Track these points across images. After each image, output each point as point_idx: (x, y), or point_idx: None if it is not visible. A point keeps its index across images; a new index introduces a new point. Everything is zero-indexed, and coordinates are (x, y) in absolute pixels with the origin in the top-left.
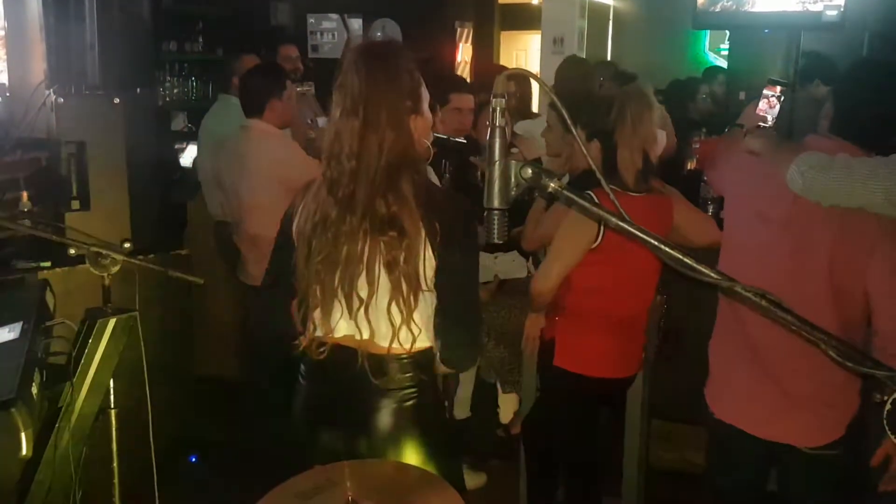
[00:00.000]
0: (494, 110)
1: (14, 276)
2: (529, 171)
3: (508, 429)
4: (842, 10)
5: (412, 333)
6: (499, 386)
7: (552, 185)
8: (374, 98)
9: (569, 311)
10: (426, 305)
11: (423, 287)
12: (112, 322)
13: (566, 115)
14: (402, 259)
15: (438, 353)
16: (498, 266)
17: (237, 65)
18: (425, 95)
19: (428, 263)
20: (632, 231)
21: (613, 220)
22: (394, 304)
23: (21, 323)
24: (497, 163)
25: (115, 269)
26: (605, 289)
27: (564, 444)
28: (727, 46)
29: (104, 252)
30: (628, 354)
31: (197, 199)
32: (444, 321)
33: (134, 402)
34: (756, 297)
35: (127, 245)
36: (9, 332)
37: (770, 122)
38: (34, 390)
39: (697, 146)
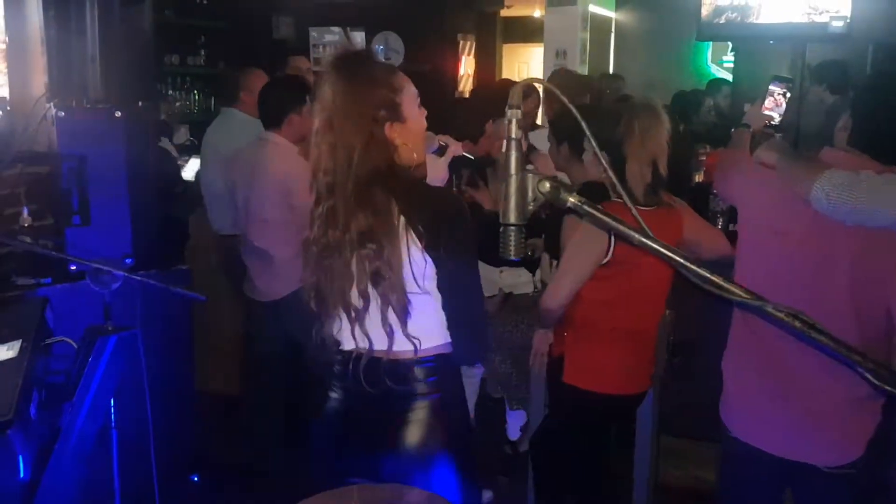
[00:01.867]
0: (510, 122)
1: (13, 292)
2: (548, 184)
3: (516, 446)
4: (848, 20)
5: (412, 341)
6: (506, 402)
7: (571, 199)
8: (343, 110)
9: (578, 327)
10: (428, 307)
11: (416, 289)
12: (113, 340)
13: (585, 127)
14: (384, 271)
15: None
16: (503, 280)
17: (244, 79)
18: (408, 102)
19: (417, 267)
20: (656, 248)
21: (637, 236)
22: (386, 316)
23: (20, 341)
24: (513, 177)
25: (116, 285)
26: (616, 303)
27: (573, 461)
28: (730, 59)
29: (105, 268)
30: (639, 370)
31: (198, 213)
32: (447, 318)
33: (135, 421)
34: (788, 317)
35: (128, 261)
36: (7, 350)
37: (777, 120)
38: (33, 411)
39: (704, 158)
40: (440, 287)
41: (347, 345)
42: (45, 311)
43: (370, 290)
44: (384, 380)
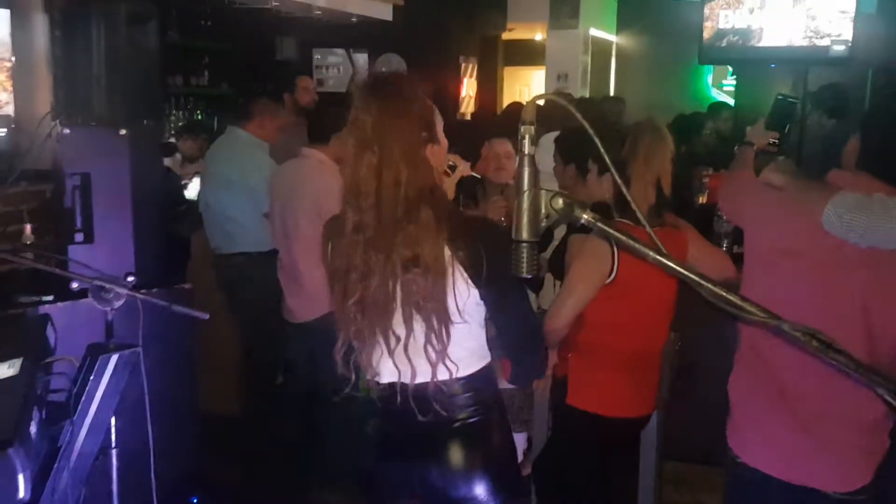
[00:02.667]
0: (523, 138)
1: (15, 310)
2: (561, 201)
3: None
4: (849, 44)
5: (448, 369)
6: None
7: (585, 215)
8: (388, 133)
9: (582, 348)
10: (468, 336)
11: (458, 320)
12: (114, 358)
13: (599, 144)
14: (429, 295)
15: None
16: None
17: (261, 106)
18: (439, 122)
19: (461, 295)
20: (671, 264)
21: (651, 253)
22: (428, 344)
23: (21, 359)
24: (526, 193)
25: (119, 303)
26: (620, 325)
27: (577, 484)
28: (731, 82)
29: (107, 286)
30: (643, 392)
31: (201, 232)
32: (504, 345)
33: (135, 440)
34: (805, 336)
35: (130, 279)
36: (8, 368)
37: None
38: (33, 429)
39: (707, 180)
40: (492, 314)
41: (385, 373)
42: (47, 328)
43: (414, 316)
44: (431, 406)
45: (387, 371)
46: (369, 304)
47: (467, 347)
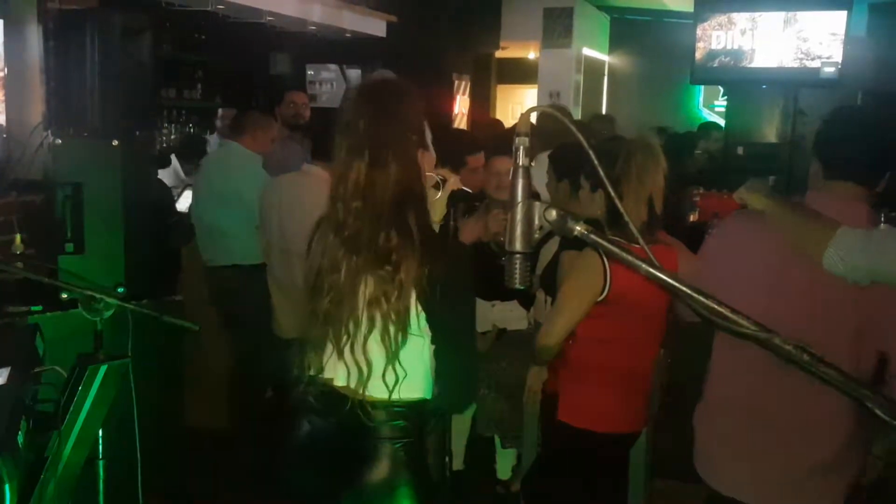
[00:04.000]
0: (518, 149)
1: (3, 320)
2: (554, 213)
3: (508, 485)
4: (839, 67)
5: (396, 374)
6: (497, 440)
7: (578, 228)
8: (380, 136)
9: (573, 364)
10: (419, 351)
11: (415, 331)
12: (104, 369)
13: (594, 159)
14: (392, 295)
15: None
16: (495, 315)
17: (255, 120)
18: (428, 133)
19: (420, 304)
20: (663, 277)
21: (644, 266)
22: (380, 343)
23: (9, 368)
24: (520, 204)
25: (109, 313)
26: (611, 341)
27: (566, 501)
28: (721, 103)
29: (97, 296)
30: (634, 409)
31: (192, 244)
32: (437, 367)
33: (123, 452)
34: (797, 350)
35: (120, 289)
36: None
37: None
38: (20, 439)
39: (697, 199)
40: (433, 332)
41: (338, 375)
42: (35, 338)
43: (375, 314)
44: (356, 414)
45: (340, 372)
46: (344, 302)
47: (417, 362)
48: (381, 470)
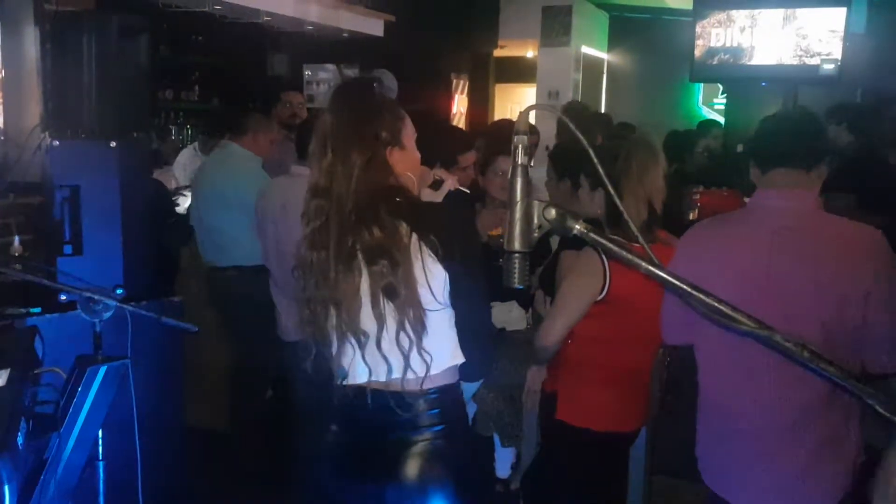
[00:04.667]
0: (516, 148)
1: (2, 321)
2: (553, 211)
3: (507, 484)
4: (839, 63)
5: (424, 360)
6: (496, 439)
7: (577, 226)
8: (343, 133)
9: (572, 363)
10: (443, 325)
11: (436, 304)
12: (103, 370)
13: (595, 159)
14: (399, 287)
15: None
16: (494, 316)
17: (255, 121)
18: (408, 132)
19: (436, 280)
20: (663, 275)
21: (644, 264)
22: (402, 333)
23: (8, 370)
24: (519, 203)
25: (108, 315)
26: (610, 340)
27: (566, 500)
28: (721, 101)
29: (96, 297)
30: (633, 408)
31: (190, 245)
32: (460, 332)
33: (123, 453)
34: (796, 346)
35: (119, 291)
36: None
37: None
38: (20, 440)
39: (697, 197)
40: (453, 300)
41: (355, 375)
42: (35, 340)
43: (385, 307)
44: (388, 411)
45: (359, 371)
46: (326, 300)
47: (443, 337)
48: (419, 461)
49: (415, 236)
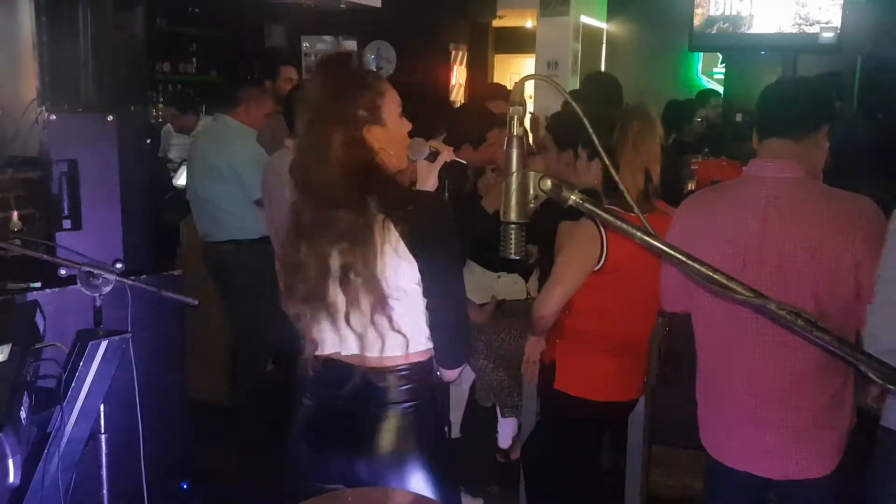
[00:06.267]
0: (511, 119)
1: (3, 296)
2: (549, 182)
3: (507, 454)
4: (838, 32)
5: (395, 338)
6: (497, 410)
7: (573, 197)
8: (323, 110)
9: (570, 334)
10: (413, 308)
11: (396, 288)
12: (104, 344)
13: (591, 130)
14: (357, 267)
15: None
16: (499, 287)
17: (247, 92)
18: (390, 107)
19: (397, 266)
20: (658, 245)
21: (639, 234)
22: (369, 310)
23: (10, 345)
24: (514, 174)
25: (107, 289)
26: (608, 311)
27: (565, 469)
28: (720, 70)
29: (96, 272)
30: (631, 377)
31: (189, 219)
32: (431, 321)
33: (125, 426)
34: (791, 315)
35: (119, 265)
36: None
37: None
38: (22, 414)
39: (695, 167)
40: (424, 288)
41: (327, 347)
42: (36, 315)
43: (352, 285)
44: (360, 385)
45: (328, 342)
46: (302, 274)
47: (415, 320)
48: (391, 435)
49: (384, 218)
